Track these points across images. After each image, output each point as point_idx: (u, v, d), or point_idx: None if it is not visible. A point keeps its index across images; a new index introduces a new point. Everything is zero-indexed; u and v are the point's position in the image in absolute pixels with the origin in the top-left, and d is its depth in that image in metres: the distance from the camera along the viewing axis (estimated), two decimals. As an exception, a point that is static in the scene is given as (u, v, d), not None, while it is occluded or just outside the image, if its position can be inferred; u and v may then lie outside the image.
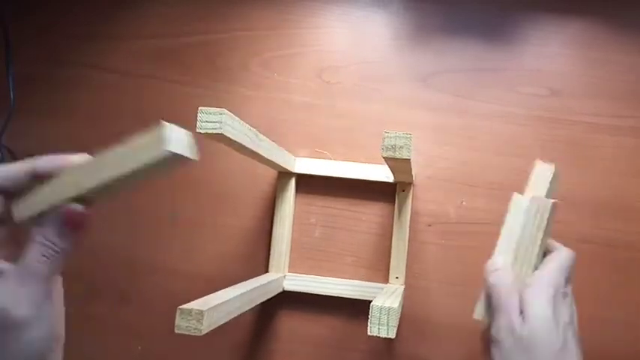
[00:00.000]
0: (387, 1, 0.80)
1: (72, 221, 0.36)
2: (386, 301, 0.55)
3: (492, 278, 0.49)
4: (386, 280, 0.76)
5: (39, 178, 0.36)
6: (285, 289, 0.76)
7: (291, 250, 0.78)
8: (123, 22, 0.85)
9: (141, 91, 0.83)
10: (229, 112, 0.50)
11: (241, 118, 0.54)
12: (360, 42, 0.80)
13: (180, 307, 0.50)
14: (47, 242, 0.36)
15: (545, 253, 0.51)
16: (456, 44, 0.79)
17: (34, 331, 0.35)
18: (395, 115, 0.78)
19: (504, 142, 0.76)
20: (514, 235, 0.51)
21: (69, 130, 0.84)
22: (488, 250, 0.52)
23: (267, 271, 0.78)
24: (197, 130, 0.49)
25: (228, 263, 0.80)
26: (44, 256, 0.36)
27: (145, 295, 0.81)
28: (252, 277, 0.72)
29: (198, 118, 0.49)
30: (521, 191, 0.56)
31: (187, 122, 0.86)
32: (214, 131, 0.49)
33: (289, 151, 0.77)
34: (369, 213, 0.78)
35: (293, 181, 0.78)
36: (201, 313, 0.49)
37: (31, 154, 0.90)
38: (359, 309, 0.76)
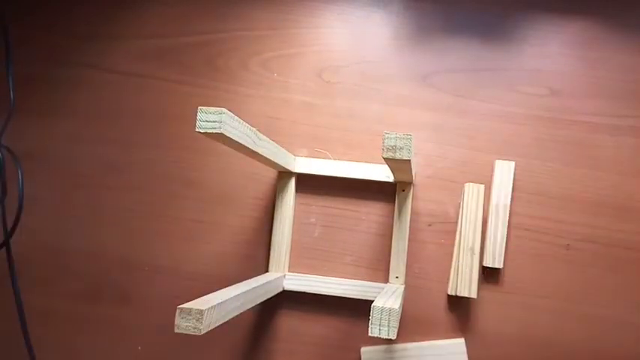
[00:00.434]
0: (387, 1, 0.80)
1: None
2: (387, 302, 0.55)
3: None
4: (386, 280, 0.76)
5: None
6: (285, 288, 0.76)
7: (291, 249, 0.78)
8: (123, 22, 0.85)
9: (141, 91, 0.83)
10: (229, 112, 0.50)
11: (241, 118, 0.54)
12: (360, 42, 0.80)
13: (180, 306, 0.49)
14: None
15: None
16: (455, 44, 0.79)
17: None
18: (395, 115, 0.78)
19: (504, 142, 0.76)
20: None
21: (69, 130, 0.84)
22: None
23: (267, 270, 0.78)
24: (197, 130, 0.49)
25: (228, 263, 0.80)
26: None
27: (145, 295, 0.81)
28: (252, 277, 0.72)
29: (198, 118, 0.49)
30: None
31: (187, 122, 0.88)
32: (214, 131, 0.49)
33: (289, 151, 0.77)
34: (369, 213, 0.78)
35: (293, 181, 0.78)
36: (200, 312, 0.49)
37: (31, 154, 0.91)
38: (359, 309, 0.76)
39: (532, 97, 0.77)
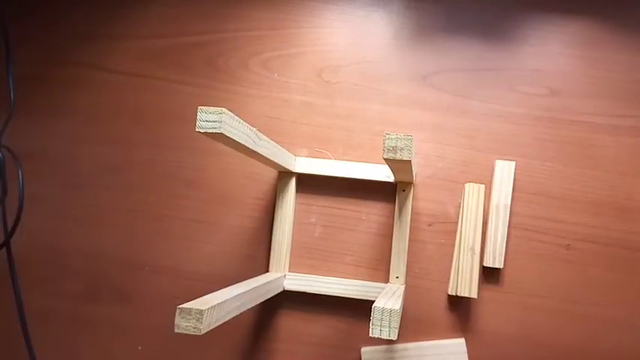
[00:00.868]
0: (387, 1, 0.80)
1: None
2: (387, 303, 0.55)
3: None
4: (386, 280, 0.76)
5: None
6: (286, 288, 0.76)
7: (291, 249, 0.78)
8: (123, 22, 0.85)
9: (141, 91, 0.83)
10: (229, 112, 0.50)
11: (241, 118, 0.54)
12: (360, 41, 0.80)
13: (180, 306, 0.49)
14: None
15: None
16: (456, 44, 0.79)
17: None
18: (395, 115, 0.78)
19: (504, 142, 0.76)
20: None
21: (69, 130, 0.84)
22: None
23: (267, 270, 0.78)
24: (197, 130, 0.49)
25: (228, 263, 0.80)
26: None
27: (145, 295, 0.81)
28: (252, 277, 0.72)
29: (198, 118, 0.49)
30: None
31: (187, 122, 0.87)
32: (214, 131, 0.49)
33: (289, 151, 0.77)
34: (370, 212, 0.78)
35: (293, 181, 0.78)
36: (200, 312, 0.49)
37: (31, 154, 0.91)
38: (359, 309, 0.76)
39: (532, 97, 0.77)
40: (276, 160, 0.67)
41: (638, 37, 0.76)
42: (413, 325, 0.75)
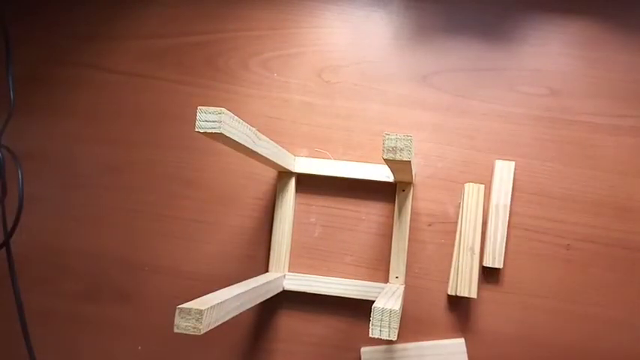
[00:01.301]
0: (387, 1, 0.80)
1: None
2: (387, 303, 0.55)
3: None
4: (386, 280, 0.76)
5: None
6: (285, 288, 0.76)
7: (291, 249, 0.78)
8: (123, 22, 0.85)
9: (141, 91, 0.83)
10: (228, 112, 0.50)
11: (241, 118, 0.54)
12: (360, 41, 0.80)
13: (180, 306, 0.49)
14: None
15: None
16: (456, 44, 0.79)
17: None
18: (395, 115, 0.78)
19: (504, 142, 0.76)
20: None
21: (69, 130, 0.84)
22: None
23: (267, 270, 0.78)
24: (196, 130, 0.49)
25: (228, 263, 0.80)
26: None
27: (145, 295, 0.81)
28: (252, 277, 0.72)
29: (197, 118, 0.49)
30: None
31: (187, 122, 0.87)
32: (213, 131, 0.49)
33: (289, 151, 0.77)
34: (369, 213, 0.78)
35: (293, 181, 0.78)
36: (200, 312, 0.49)
37: (30, 154, 0.91)
38: (359, 309, 0.76)
39: (532, 97, 0.76)
40: (275, 160, 0.67)
41: (638, 37, 0.76)
42: (412, 325, 0.75)
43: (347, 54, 0.80)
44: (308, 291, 0.76)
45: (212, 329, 0.52)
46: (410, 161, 0.54)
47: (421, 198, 0.77)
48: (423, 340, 0.75)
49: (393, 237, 0.75)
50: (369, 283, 0.75)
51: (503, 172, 0.74)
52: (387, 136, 0.53)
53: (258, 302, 0.65)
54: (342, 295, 0.75)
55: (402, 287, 0.72)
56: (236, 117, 0.52)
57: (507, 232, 0.74)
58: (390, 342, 0.75)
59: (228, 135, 0.50)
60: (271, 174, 0.80)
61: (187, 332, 0.49)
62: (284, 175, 0.78)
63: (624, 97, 0.75)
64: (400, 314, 0.58)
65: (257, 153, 0.59)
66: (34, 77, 0.85)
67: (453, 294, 0.73)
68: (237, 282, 0.67)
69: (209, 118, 0.49)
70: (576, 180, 0.75)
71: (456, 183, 0.76)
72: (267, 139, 0.63)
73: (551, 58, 0.77)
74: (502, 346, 0.74)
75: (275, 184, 0.79)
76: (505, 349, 0.74)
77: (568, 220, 0.74)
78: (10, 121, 0.81)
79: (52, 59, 0.86)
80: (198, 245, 0.80)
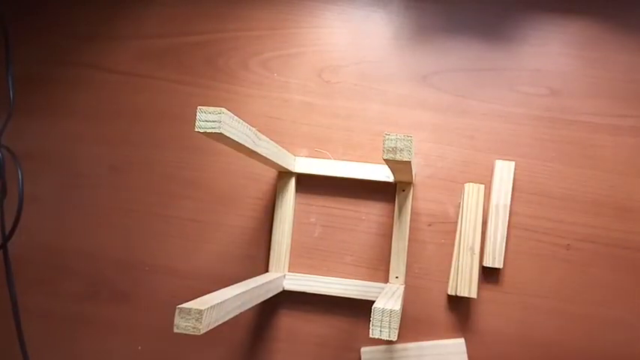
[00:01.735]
0: (387, 1, 0.80)
1: None
2: (387, 304, 0.55)
3: None
4: (386, 280, 0.76)
5: None
6: (285, 288, 0.76)
7: (291, 249, 0.78)
8: (123, 22, 0.85)
9: (140, 91, 0.83)
10: (228, 112, 0.50)
11: (241, 118, 0.54)
12: (360, 41, 0.80)
13: (179, 306, 0.49)
14: None
15: None
16: (456, 44, 0.79)
17: None
18: (395, 115, 0.78)
19: (504, 142, 0.76)
20: None
21: (68, 130, 0.84)
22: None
23: (267, 270, 0.78)
24: (196, 130, 0.49)
25: (228, 263, 0.80)
26: None
27: (144, 295, 0.81)
28: (252, 277, 0.71)
29: (197, 118, 0.49)
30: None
31: (187, 122, 0.87)
32: (213, 130, 0.49)
33: (289, 151, 0.77)
34: (369, 213, 0.78)
35: (293, 181, 0.78)
36: (200, 312, 0.49)
37: (30, 154, 0.91)
38: (359, 308, 0.76)
39: (532, 97, 0.76)
40: (275, 160, 0.67)
41: (638, 36, 0.76)
42: (412, 325, 0.75)
43: (347, 54, 0.80)
44: (308, 291, 0.76)
45: (212, 329, 0.52)
46: (410, 161, 0.54)
47: (421, 198, 0.77)
48: (423, 340, 0.75)
49: (393, 237, 0.75)
50: (369, 283, 0.75)
51: (504, 172, 0.74)
52: (387, 137, 0.53)
53: (258, 302, 0.65)
54: (342, 295, 0.75)
55: (402, 287, 0.72)
56: (236, 117, 0.52)
57: (507, 232, 0.74)
58: (389, 342, 0.75)
59: (228, 135, 0.50)
60: (271, 174, 0.80)
61: (187, 332, 0.49)
62: (284, 175, 0.78)
63: (624, 97, 0.75)
64: (400, 314, 0.58)
65: (257, 153, 0.59)
66: (33, 77, 0.85)
67: (453, 294, 0.73)
68: (237, 282, 0.67)
69: (209, 118, 0.49)
70: (576, 180, 0.75)
71: (456, 183, 0.76)
72: (267, 139, 0.63)
73: (551, 58, 0.77)
74: (502, 346, 0.74)
75: (275, 184, 0.79)
76: (505, 349, 0.74)
77: (568, 220, 0.74)
78: (10, 121, 0.81)
79: (51, 59, 0.86)
80: (197, 245, 0.80)
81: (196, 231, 0.80)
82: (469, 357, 0.74)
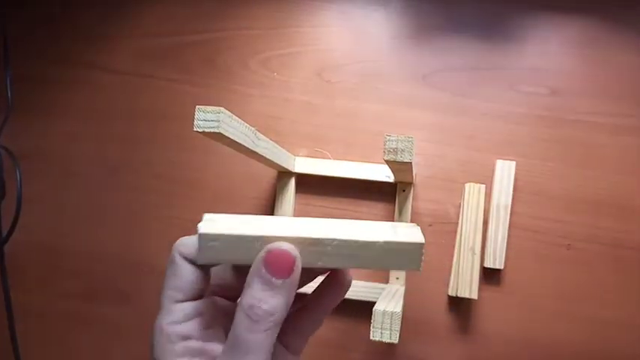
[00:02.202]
0: (388, 0, 0.80)
1: (277, 266, 0.28)
2: (388, 305, 0.55)
3: None
4: (386, 281, 0.76)
5: None
6: (285, 289, 0.75)
7: (290, 250, 0.78)
8: (121, 21, 0.84)
9: (140, 90, 0.83)
10: (227, 111, 0.50)
11: (241, 117, 0.54)
12: (360, 41, 0.80)
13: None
14: (252, 300, 0.27)
15: None
16: (456, 43, 0.78)
17: None
18: (395, 115, 0.78)
19: (505, 142, 0.76)
20: None
21: (67, 130, 0.84)
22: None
23: (266, 271, 0.77)
24: (194, 129, 0.49)
25: (227, 263, 0.79)
26: (252, 319, 0.27)
27: (145, 295, 0.80)
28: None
29: (196, 117, 0.49)
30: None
31: (187, 121, 0.87)
32: (212, 130, 0.49)
33: (289, 151, 0.76)
34: (370, 213, 0.77)
35: (293, 181, 0.78)
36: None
37: (28, 154, 0.90)
38: (359, 309, 0.75)
39: (533, 97, 0.76)
40: (275, 160, 0.66)
41: (638, 35, 0.76)
42: (412, 325, 0.75)
43: (347, 53, 0.80)
44: (308, 292, 0.75)
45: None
46: (411, 162, 0.54)
47: (421, 198, 0.76)
48: (423, 341, 0.75)
49: (394, 237, 0.75)
50: (370, 283, 0.75)
51: (504, 172, 0.74)
52: (387, 138, 0.53)
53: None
54: (342, 296, 0.75)
55: (403, 288, 0.72)
56: (235, 116, 0.52)
57: (508, 232, 0.73)
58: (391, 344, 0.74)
59: (227, 134, 0.50)
60: (271, 174, 0.79)
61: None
62: (284, 175, 0.78)
63: (625, 96, 0.75)
64: (401, 316, 0.58)
65: (256, 153, 0.59)
66: (31, 77, 0.85)
67: (454, 295, 0.73)
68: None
69: (208, 118, 0.49)
70: (577, 180, 0.74)
71: (456, 183, 0.76)
72: (267, 138, 0.63)
73: (551, 56, 0.76)
74: (503, 347, 0.74)
75: (275, 184, 0.79)
76: (506, 349, 0.74)
77: (569, 220, 0.74)
78: (8, 121, 0.81)
79: (50, 58, 0.85)
80: (197, 245, 0.80)
81: (196, 231, 0.80)
82: (469, 357, 0.73)
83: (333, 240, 0.30)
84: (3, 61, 0.82)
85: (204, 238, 0.30)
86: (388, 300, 0.59)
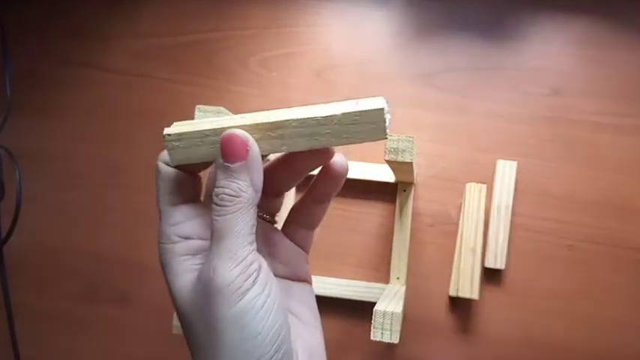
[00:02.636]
0: (388, -1, 0.80)
1: (230, 150, 0.29)
2: (388, 306, 0.55)
3: None
4: (387, 281, 0.75)
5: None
6: (285, 289, 0.75)
7: (290, 250, 0.78)
8: (120, 20, 0.84)
9: (139, 89, 0.83)
10: (227, 110, 0.50)
11: (240, 117, 0.54)
12: (360, 40, 0.80)
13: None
14: (217, 189, 0.29)
15: None
16: (457, 43, 0.78)
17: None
18: (396, 115, 0.78)
19: (506, 142, 0.75)
20: None
21: (66, 129, 0.84)
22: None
23: (266, 271, 0.77)
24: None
25: (227, 263, 0.79)
26: (218, 205, 0.29)
27: (145, 295, 0.80)
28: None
29: (196, 116, 0.49)
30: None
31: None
32: (212, 130, 0.48)
33: (289, 151, 0.76)
34: (370, 213, 0.77)
35: (293, 181, 0.77)
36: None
37: (28, 154, 0.90)
38: (360, 310, 0.75)
39: (534, 97, 0.76)
40: (275, 160, 0.66)
41: (641, 35, 0.75)
42: (413, 326, 0.75)
43: (346, 53, 0.80)
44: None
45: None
46: (412, 162, 0.54)
47: (422, 198, 0.76)
48: (424, 342, 0.74)
49: (394, 238, 0.75)
50: (370, 283, 0.75)
51: (505, 172, 0.74)
52: (389, 138, 0.53)
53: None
54: (343, 297, 0.75)
55: (403, 288, 0.71)
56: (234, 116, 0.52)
57: (509, 232, 0.73)
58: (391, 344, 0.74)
59: (226, 135, 0.50)
60: (271, 174, 0.79)
61: None
62: (284, 175, 0.77)
63: (628, 96, 0.74)
64: (402, 317, 0.58)
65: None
66: (31, 76, 0.85)
67: (455, 295, 0.73)
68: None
69: (207, 117, 0.49)
70: (579, 180, 0.74)
71: (457, 183, 0.76)
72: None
73: (553, 56, 0.76)
74: (504, 347, 0.73)
75: (275, 184, 0.79)
76: (507, 350, 0.73)
77: (570, 220, 0.74)
78: (8, 121, 0.81)
79: (49, 58, 0.85)
80: (197, 246, 0.80)
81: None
82: (470, 357, 0.73)
83: (291, 121, 0.30)
84: (3, 60, 0.82)
85: (168, 140, 0.30)
86: (389, 300, 0.59)
